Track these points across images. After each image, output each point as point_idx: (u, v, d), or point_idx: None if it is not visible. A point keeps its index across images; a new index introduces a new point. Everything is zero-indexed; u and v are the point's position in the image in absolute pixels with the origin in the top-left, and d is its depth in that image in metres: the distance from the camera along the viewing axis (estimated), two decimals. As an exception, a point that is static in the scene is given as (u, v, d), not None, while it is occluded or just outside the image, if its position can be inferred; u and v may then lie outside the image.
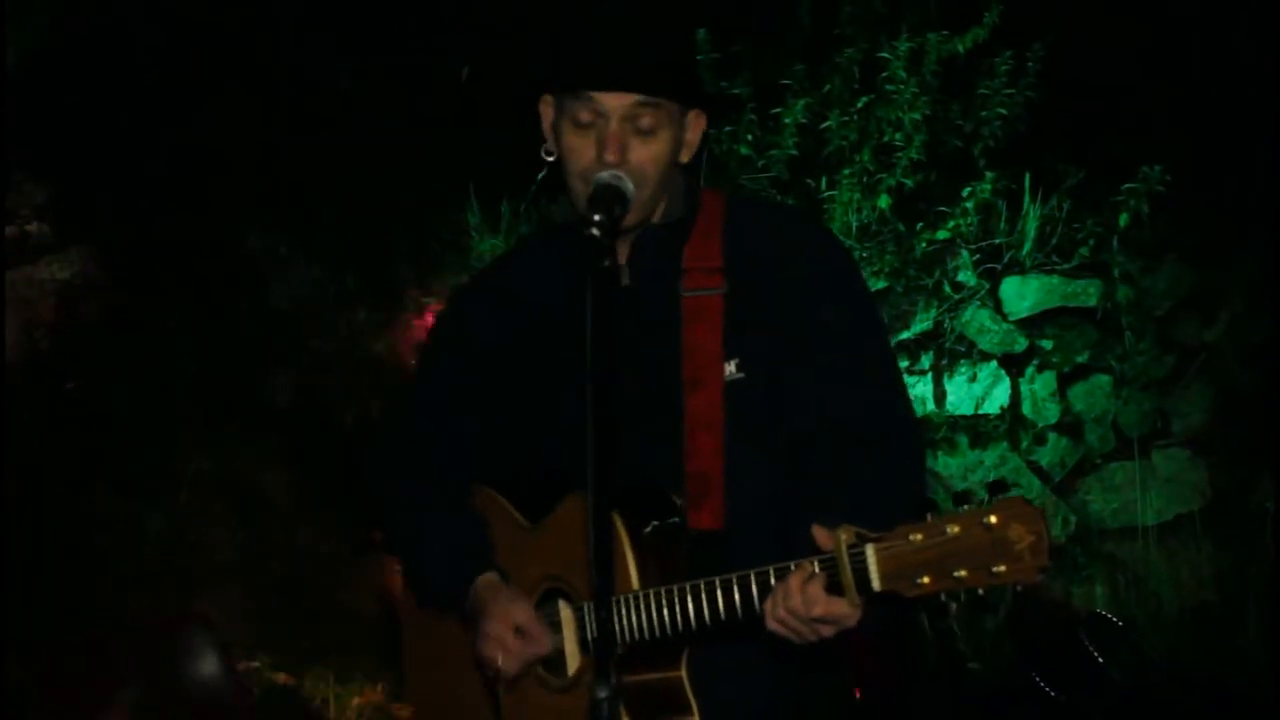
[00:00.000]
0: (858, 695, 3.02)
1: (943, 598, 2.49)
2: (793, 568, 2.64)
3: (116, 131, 6.62)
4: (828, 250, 3.06)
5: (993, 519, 2.42)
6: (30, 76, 6.73)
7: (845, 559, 2.54)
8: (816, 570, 2.61)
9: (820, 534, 2.61)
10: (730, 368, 2.93)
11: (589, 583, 2.71)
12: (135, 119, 6.63)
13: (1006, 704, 5.89)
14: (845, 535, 2.55)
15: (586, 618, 2.90)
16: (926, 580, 2.47)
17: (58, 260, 6.61)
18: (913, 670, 5.58)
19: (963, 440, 6.63)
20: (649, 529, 2.86)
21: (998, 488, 2.53)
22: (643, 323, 2.97)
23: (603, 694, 2.47)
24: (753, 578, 2.69)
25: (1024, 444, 6.71)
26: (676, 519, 2.88)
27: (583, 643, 2.93)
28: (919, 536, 2.48)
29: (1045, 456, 6.74)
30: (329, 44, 6.87)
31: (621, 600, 2.80)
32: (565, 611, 2.97)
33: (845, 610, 2.60)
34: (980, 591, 2.46)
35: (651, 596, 2.79)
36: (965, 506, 2.48)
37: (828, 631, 2.64)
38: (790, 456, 2.90)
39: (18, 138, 6.57)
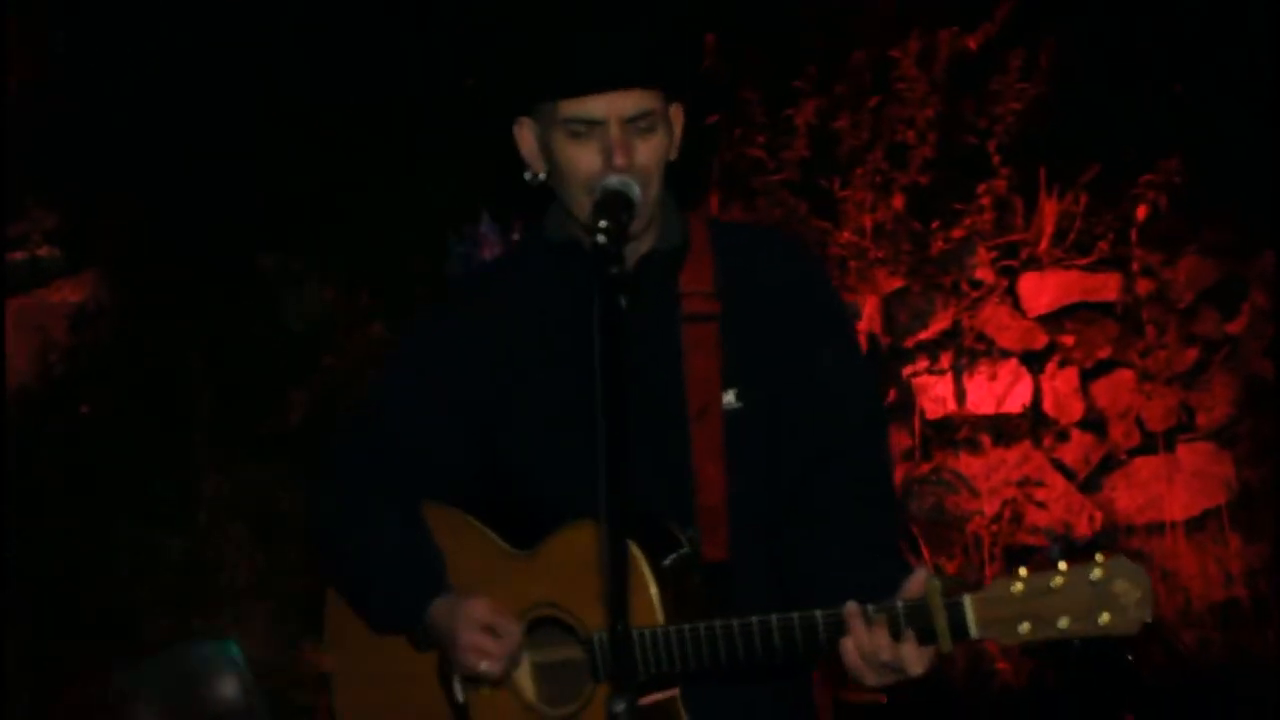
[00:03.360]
0: (884, 701, 2.97)
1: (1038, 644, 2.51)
2: (871, 611, 2.59)
3: (125, 154, 6.63)
4: (822, 281, 3.00)
5: (1097, 573, 2.46)
6: (37, 100, 6.75)
7: (940, 608, 2.56)
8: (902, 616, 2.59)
9: (914, 582, 2.59)
10: (729, 397, 2.86)
11: (597, 610, 2.63)
12: (143, 140, 6.63)
13: (1034, 704, 5.86)
14: (937, 584, 2.57)
15: (597, 647, 2.81)
16: (1026, 628, 2.50)
17: (70, 284, 6.62)
18: (939, 672, 5.55)
19: (985, 440, 6.60)
20: (667, 561, 2.78)
21: (1096, 545, 2.54)
22: (644, 350, 2.83)
23: (619, 708, 2.43)
24: (818, 618, 2.63)
25: (1047, 441, 6.67)
26: (688, 550, 2.82)
27: (592, 670, 2.83)
28: (1019, 587, 2.51)
29: (1069, 454, 6.70)
30: (338, 61, 6.86)
31: (648, 635, 2.72)
32: (570, 644, 2.89)
33: (934, 656, 2.61)
34: (1075, 643, 2.50)
35: (687, 632, 2.71)
36: (1062, 563, 2.49)
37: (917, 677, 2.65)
38: (784, 487, 2.86)
39: (27, 163, 6.58)
